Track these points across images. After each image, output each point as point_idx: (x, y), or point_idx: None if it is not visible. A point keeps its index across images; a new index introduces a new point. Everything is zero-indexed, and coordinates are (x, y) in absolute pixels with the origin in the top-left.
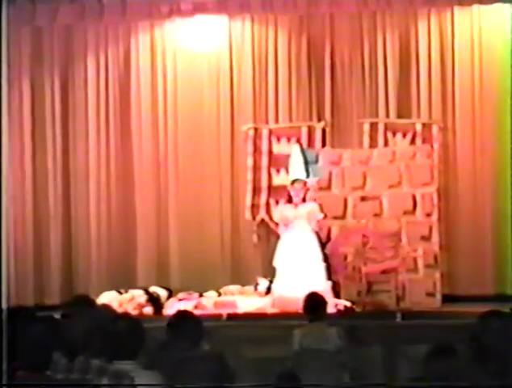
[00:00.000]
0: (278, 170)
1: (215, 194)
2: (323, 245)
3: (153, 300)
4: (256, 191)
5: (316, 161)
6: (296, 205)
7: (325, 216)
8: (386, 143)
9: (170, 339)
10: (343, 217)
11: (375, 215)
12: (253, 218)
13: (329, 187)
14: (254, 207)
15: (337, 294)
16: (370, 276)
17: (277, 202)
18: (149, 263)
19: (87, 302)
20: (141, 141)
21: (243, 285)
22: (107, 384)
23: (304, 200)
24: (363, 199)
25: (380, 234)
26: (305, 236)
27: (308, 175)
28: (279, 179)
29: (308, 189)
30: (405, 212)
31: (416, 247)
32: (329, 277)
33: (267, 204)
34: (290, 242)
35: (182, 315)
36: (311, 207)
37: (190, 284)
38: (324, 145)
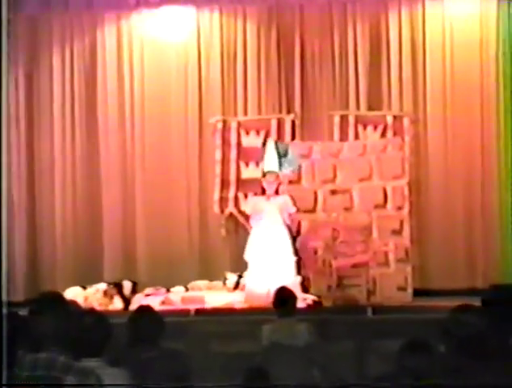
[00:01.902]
0: (247, 163)
1: (182, 188)
2: (294, 239)
3: (120, 294)
4: (224, 184)
5: (286, 154)
6: (269, 197)
7: (298, 209)
8: (357, 136)
9: (131, 335)
10: (313, 210)
11: (346, 209)
12: (222, 212)
13: (298, 180)
14: (223, 200)
15: (306, 289)
16: (340, 270)
17: (246, 196)
18: (116, 257)
19: (55, 298)
20: (107, 134)
21: (211, 280)
22: (108, 384)
23: (276, 192)
24: (334, 192)
25: (351, 227)
26: (277, 229)
27: (280, 168)
28: (248, 173)
29: (280, 182)
30: (376, 206)
31: (387, 241)
32: (299, 272)
33: (236, 198)
34: (261, 234)
35: (143, 311)
36: (283, 199)
37: (158, 279)
38: (293, 137)
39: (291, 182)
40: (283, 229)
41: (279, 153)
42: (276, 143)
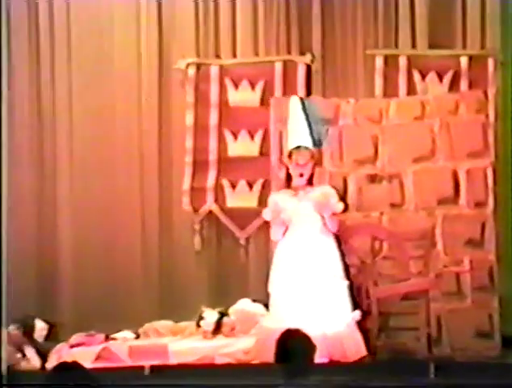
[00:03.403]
0: (235, 134)
1: (132, 175)
2: (342, 253)
3: (30, 340)
4: (199, 167)
5: (317, 119)
6: (298, 191)
7: (346, 207)
8: (411, 88)
9: None
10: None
11: (393, 205)
12: (195, 210)
13: (318, 160)
14: (197, 192)
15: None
16: (384, 303)
17: (233, 186)
18: (24, 283)
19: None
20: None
21: (177, 321)
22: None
23: (310, 182)
24: (373, 179)
25: (401, 234)
26: (315, 240)
27: (315, 142)
28: (238, 148)
29: (315, 164)
30: (442, 201)
31: (459, 257)
32: (355, 303)
33: (218, 188)
34: (291, 251)
35: (66, 369)
36: (323, 193)
37: (90, 320)
38: (309, 92)
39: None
40: (327, 238)
41: (308, 119)
42: (303, 101)
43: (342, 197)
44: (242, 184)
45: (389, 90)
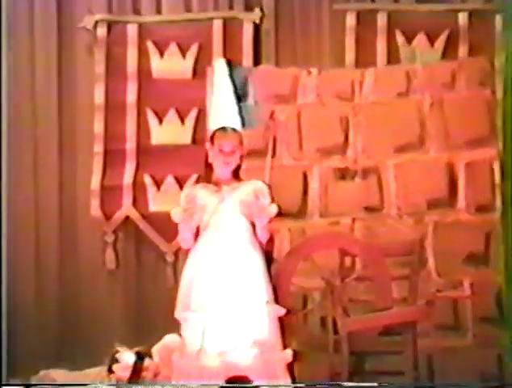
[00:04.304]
0: (160, 115)
1: (22, 170)
2: (269, 268)
3: None
4: (112, 158)
5: (247, 91)
6: (221, 186)
7: (280, 210)
8: (392, 55)
9: None
10: (300, 212)
11: (369, 209)
12: (107, 217)
13: (267, 149)
14: (109, 193)
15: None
16: (357, 339)
17: (158, 183)
18: None
19: None
20: None
21: (82, 367)
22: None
23: (235, 175)
24: (343, 174)
25: (380, 248)
26: (238, 251)
27: (244, 123)
28: (164, 134)
29: (243, 152)
30: (433, 204)
31: (457, 278)
32: (283, 336)
33: (137, 187)
34: (207, 264)
35: None
36: (252, 190)
37: None
38: (258, 59)
39: (250, 153)
40: (252, 250)
41: (237, 92)
42: (231, 66)
43: (273, 198)
44: (170, 182)
45: (364, 58)
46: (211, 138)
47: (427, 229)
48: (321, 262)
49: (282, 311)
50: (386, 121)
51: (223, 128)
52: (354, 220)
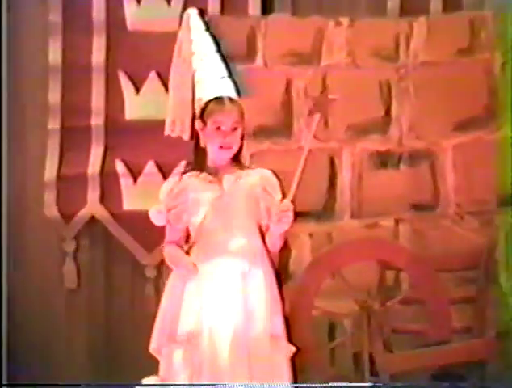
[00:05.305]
0: (136, 80)
1: None
2: (281, 290)
3: None
4: (73, 139)
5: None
6: (218, 175)
7: (297, 210)
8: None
9: None
10: (326, 211)
11: (418, 207)
12: (66, 217)
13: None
14: (69, 185)
15: None
16: (404, 383)
17: (134, 173)
18: None
19: None
20: None
21: None
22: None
23: (235, 159)
24: (385, 158)
25: (432, 258)
26: (244, 269)
27: (239, 91)
28: (143, 105)
29: (244, 130)
30: (504, 200)
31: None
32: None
33: (107, 177)
34: (199, 283)
35: None
36: (259, 180)
37: None
38: (268, 6)
39: (256, 131)
40: (262, 264)
41: (220, 50)
42: (203, 15)
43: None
44: (150, 171)
45: (412, 3)
46: (202, 114)
47: (498, 233)
48: (353, 278)
49: (291, 349)
50: (442, 89)
51: (218, 99)
52: (398, 221)
